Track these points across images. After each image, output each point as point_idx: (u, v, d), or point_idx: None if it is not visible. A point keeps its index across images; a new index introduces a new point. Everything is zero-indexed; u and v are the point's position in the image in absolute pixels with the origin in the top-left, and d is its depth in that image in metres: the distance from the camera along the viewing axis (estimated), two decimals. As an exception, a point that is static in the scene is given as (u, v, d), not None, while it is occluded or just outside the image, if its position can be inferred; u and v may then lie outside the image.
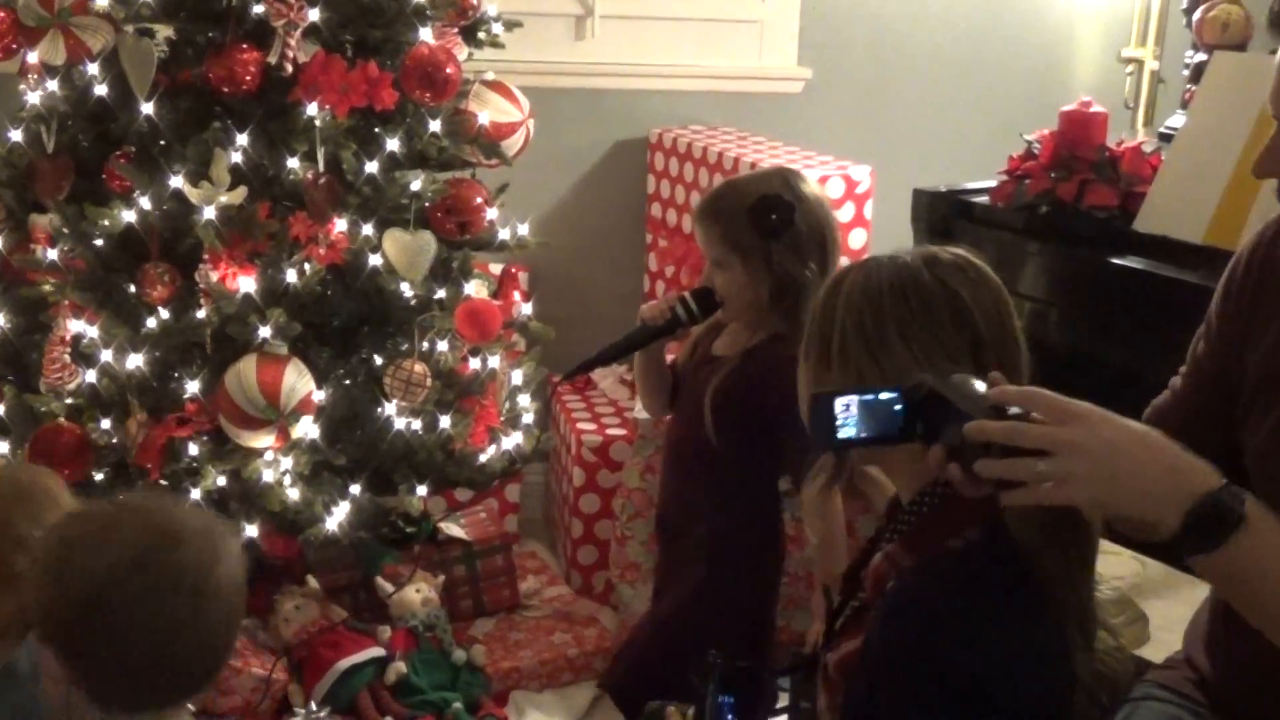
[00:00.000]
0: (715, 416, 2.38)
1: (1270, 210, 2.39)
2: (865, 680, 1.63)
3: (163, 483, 2.85)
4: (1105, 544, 2.79)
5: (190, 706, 1.66)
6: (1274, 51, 2.65)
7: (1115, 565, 3.05)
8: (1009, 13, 4.05)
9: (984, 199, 2.84)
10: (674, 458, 2.61)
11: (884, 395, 1.47)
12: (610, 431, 3.55)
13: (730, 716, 1.88)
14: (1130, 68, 3.14)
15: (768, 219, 2.34)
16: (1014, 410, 1.41)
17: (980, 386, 1.46)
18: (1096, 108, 2.76)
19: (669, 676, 2.29)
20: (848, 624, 1.75)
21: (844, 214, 3.50)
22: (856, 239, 3.53)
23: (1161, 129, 2.96)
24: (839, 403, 1.47)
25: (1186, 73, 3.01)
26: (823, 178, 3.46)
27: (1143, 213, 2.62)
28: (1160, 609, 2.68)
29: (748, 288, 2.39)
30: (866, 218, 3.53)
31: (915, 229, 2.90)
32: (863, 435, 1.48)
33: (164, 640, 1.51)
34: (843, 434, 1.47)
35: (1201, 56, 2.94)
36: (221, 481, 2.87)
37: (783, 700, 2.14)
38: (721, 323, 2.48)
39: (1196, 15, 3.00)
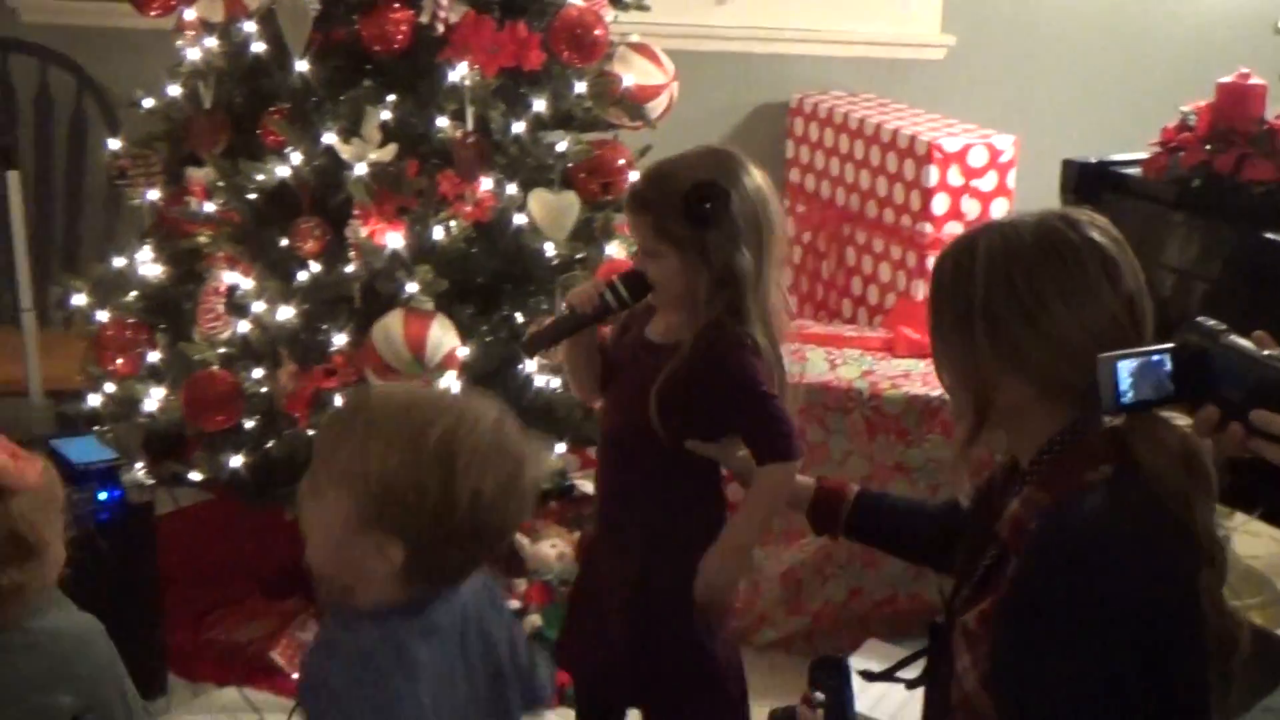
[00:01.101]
0: (661, 407, 2.22)
1: None
2: (1016, 623, 1.63)
3: (310, 432, 2.91)
4: (1244, 521, 2.78)
5: None
6: None
7: (1253, 545, 3.01)
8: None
9: (1136, 170, 2.79)
10: (613, 446, 2.44)
11: (1155, 357, 1.48)
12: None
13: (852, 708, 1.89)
14: (1289, 39, 3.08)
15: (701, 208, 2.21)
16: None
17: (1246, 344, 1.45)
18: (1255, 80, 2.71)
19: (640, 674, 2.33)
20: (984, 579, 1.74)
21: (986, 183, 3.48)
22: (998, 207, 3.51)
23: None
24: (1122, 366, 1.47)
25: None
26: (966, 146, 3.45)
27: (1303, 187, 2.57)
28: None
29: (682, 278, 2.25)
30: (1009, 187, 3.50)
31: (1063, 199, 2.86)
32: (1143, 398, 1.49)
33: (477, 512, 1.56)
34: (1125, 399, 1.48)
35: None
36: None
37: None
38: (648, 308, 2.34)
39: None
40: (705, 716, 2.39)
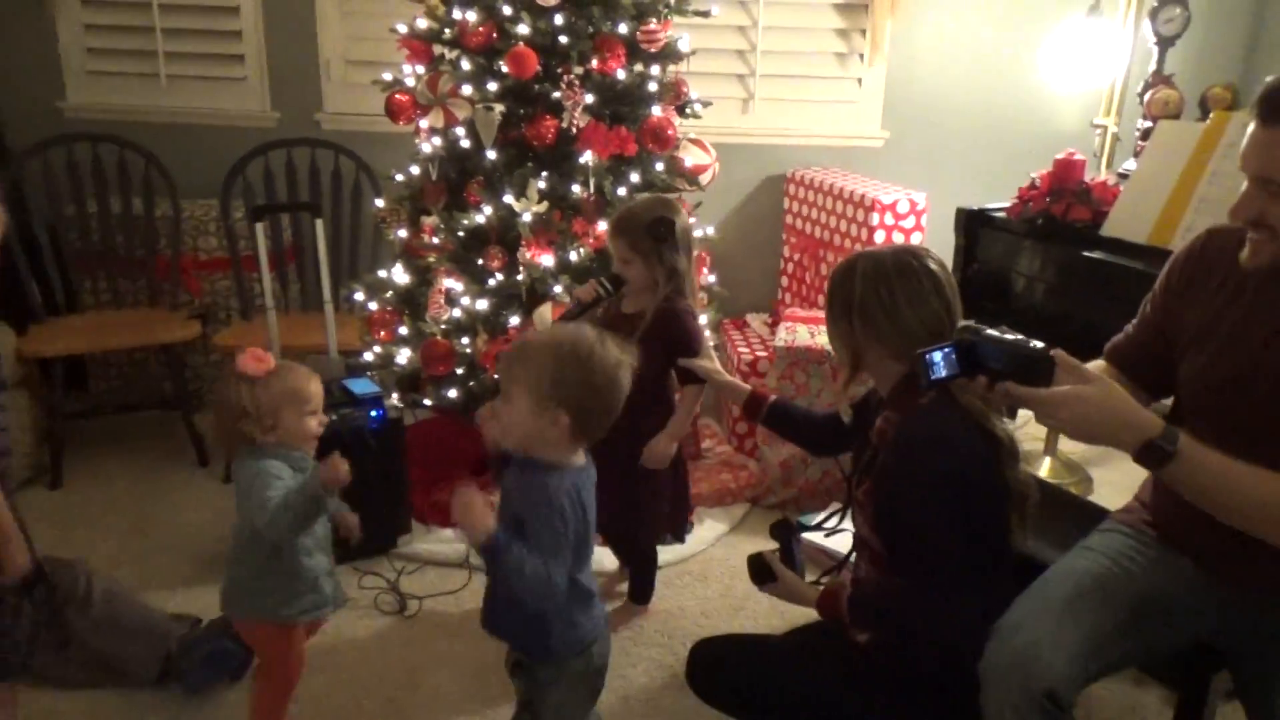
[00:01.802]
0: (643, 348, 2.09)
1: (1192, 225, 2.32)
2: (887, 491, 1.69)
3: (495, 376, 2.94)
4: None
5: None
6: (1200, 119, 2.57)
7: (1070, 441, 2.96)
8: (1021, 95, 3.92)
9: (1002, 214, 2.76)
10: None
11: (947, 349, 1.51)
12: (758, 353, 3.56)
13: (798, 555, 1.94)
14: (1099, 130, 3.01)
15: (659, 230, 2.30)
16: (1039, 346, 1.46)
17: (995, 333, 1.50)
18: (1078, 156, 2.67)
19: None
20: (865, 468, 1.79)
21: (908, 223, 3.44)
22: (915, 239, 3.47)
23: (1119, 170, 2.84)
24: (931, 356, 1.50)
25: (1138, 134, 2.87)
26: (895, 200, 3.42)
27: (1107, 224, 2.53)
28: (1100, 474, 2.60)
29: (646, 274, 2.34)
30: (923, 225, 3.46)
31: (956, 232, 2.84)
32: (943, 375, 1.52)
33: (606, 388, 1.63)
34: (935, 376, 1.51)
35: (1148, 124, 2.81)
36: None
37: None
38: (623, 295, 2.41)
39: (1146, 96, 2.87)
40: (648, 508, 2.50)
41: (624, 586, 2.73)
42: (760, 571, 1.91)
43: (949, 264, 2.79)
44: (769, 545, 1.95)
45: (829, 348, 3.08)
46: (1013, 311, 2.62)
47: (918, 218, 3.44)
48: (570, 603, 1.69)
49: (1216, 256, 1.67)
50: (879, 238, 3.43)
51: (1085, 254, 2.46)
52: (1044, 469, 2.61)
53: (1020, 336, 1.49)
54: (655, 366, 2.33)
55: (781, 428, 2.21)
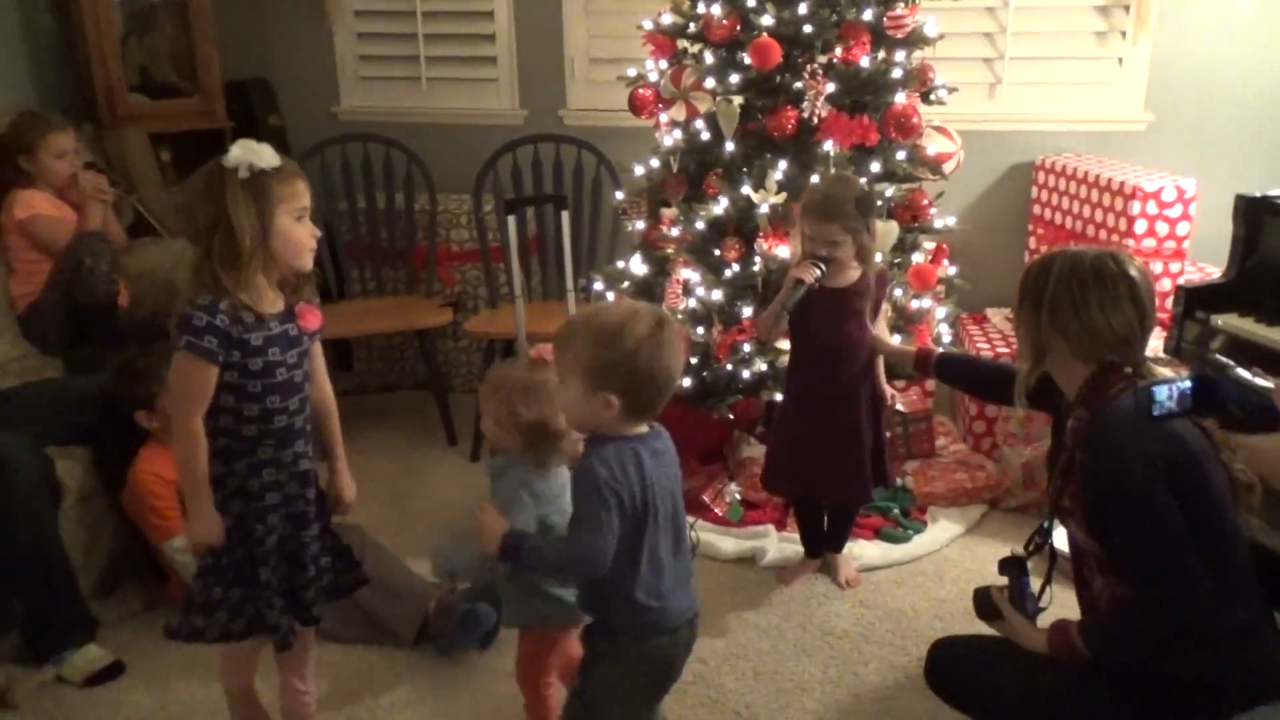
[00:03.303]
0: (860, 314, 2.49)
1: None
2: (1094, 492, 1.65)
3: (728, 366, 2.96)
4: None
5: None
6: None
7: None
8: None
9: (1292, 202, 2.51)
10: (821, 351, 2.52)
11: (1183, 383, 1.49)
12: (999, 349, 3.41)
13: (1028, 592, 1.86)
14: None
15: (866, 206, 2.41)
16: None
17: (1245, 374, 1.48)
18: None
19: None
20: (1064, 472, 1.75)
21: (1173, 212, 3.19)
22: (1182, 228, 3.21)
23: None
24: (1157, 390, 1.49)
25: None
26: (1159, 187, 3.17)
27: None
28: None
29: (848, 252, 2.42)
30: (1191, 214, 3.20)
31: (1235, 221, 2.60)
32: (1170, 411, 1.50)
33: (650, 367, 1.58)
34: (1159, 411, 1.50)
35: None
36: (762, 367, 2.93)
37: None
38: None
39: None
40: None
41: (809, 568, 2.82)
42: (986, 607, 1.85)
43: (1226, 256, 2.62)
44: (1012, 548, 1.88)
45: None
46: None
47: (1185, 206, 3.18)
48: (631, 580, 1.64)
49: None
50: (1140, 228, 3.20)
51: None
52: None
53: (1265, 381, 1.38)
54: (864, 329, 2.52)
55: (954, 379, 2.39)
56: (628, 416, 1.61)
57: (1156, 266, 3.20)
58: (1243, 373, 1.41)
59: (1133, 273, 1.66)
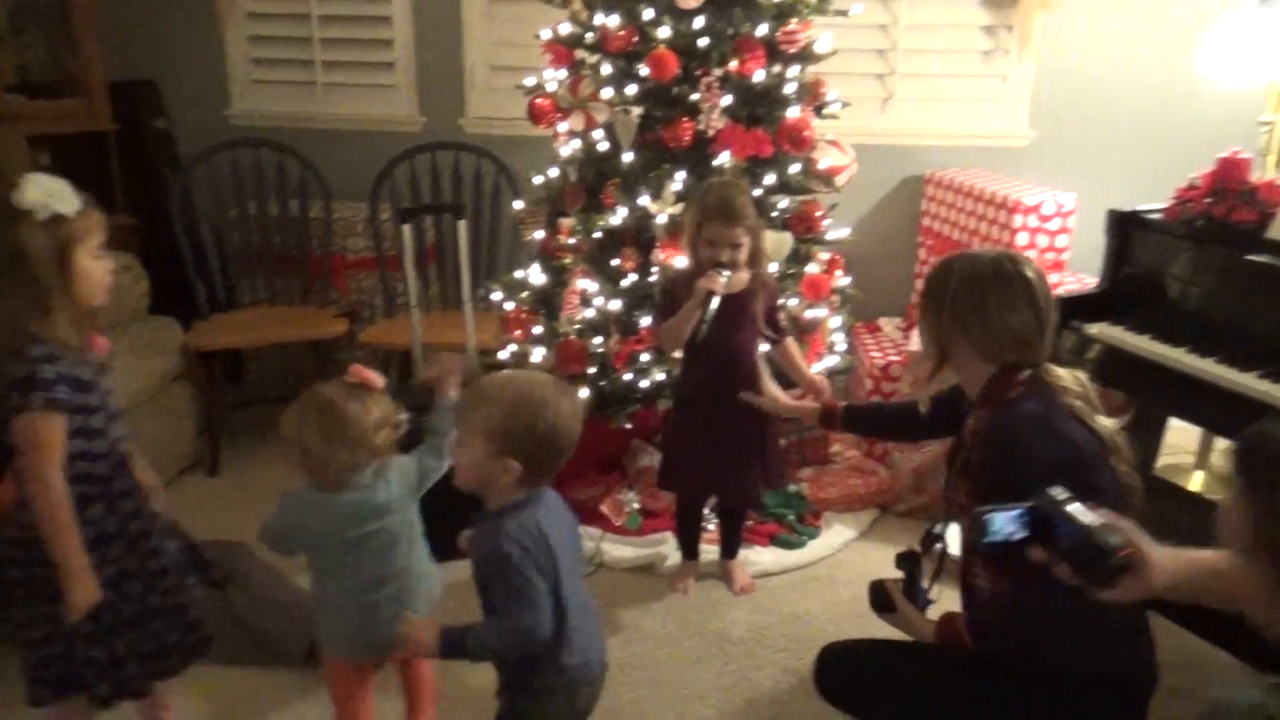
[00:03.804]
0: (752, 318, 2.52)
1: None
2: (985, 490, 1.65)
3: (626, 376, 2.97)
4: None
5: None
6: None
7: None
8: (1180, 91, 3.70)
9: (1157, 216, 2.62)
10: (723, 349, 2.50)
11: (1016, 511, 1.36)
12: (890, 357, 3.49)
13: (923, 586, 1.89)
14: (1266, 128, 2.83)
15: (757, 206, 2.49)
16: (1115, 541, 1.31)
17: (1078, 511, 1.34)
18: (1243, 155, 2.52)
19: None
20: (961, 471, 1.80)
21: (1053, 225, 3.32)
22: (1061, 241, 3.34)
23: (1289, 170, 2.68)
24: (989, 519, 1.35)
25: (1308, 131, 2.70)
26: (1039, 201, 3.30)
27: (1274, 225, 2.38)
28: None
29: (746, 255, 2.46)
30: (1069, 228, 3.33)
31: (1107, 235, 2.71)
32: (999, 539, 1.36)
33: (557, 436, 1.60)
34: (990, 538, 1.36)
35: (1321, 120, 2.64)
36: (660, 377, 2.94)
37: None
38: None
39: (1319, 91, 2.70)
40: None
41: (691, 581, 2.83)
42: (880, 599, 1.89)
43: (1100, 268, 2.74)
44: (905, 550, 1.92)
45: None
46: (1165, 316, 2.50)
47: (1064, 220, 3.31)
48: (560, 644, 1.64)
49: None
50: (1021, 240, 3.32)
51: (1249, 258, 2.32)
52: (1196, 482, 2.48)
53: (1105, 521, 1.30)
54: (758, 333, 2.55)
55: (862, 429, 2.39)
56: (524, 481, 1.62)
57: (1038, 277, 3.33)
58: (1079, 508, 1.34)
59: (1028, 273, 1.70)
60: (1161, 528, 1.43)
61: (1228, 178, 2.48)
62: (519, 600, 1.57)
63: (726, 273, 2.41)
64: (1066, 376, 1.71)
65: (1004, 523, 1.36)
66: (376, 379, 1.83)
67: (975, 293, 1.70)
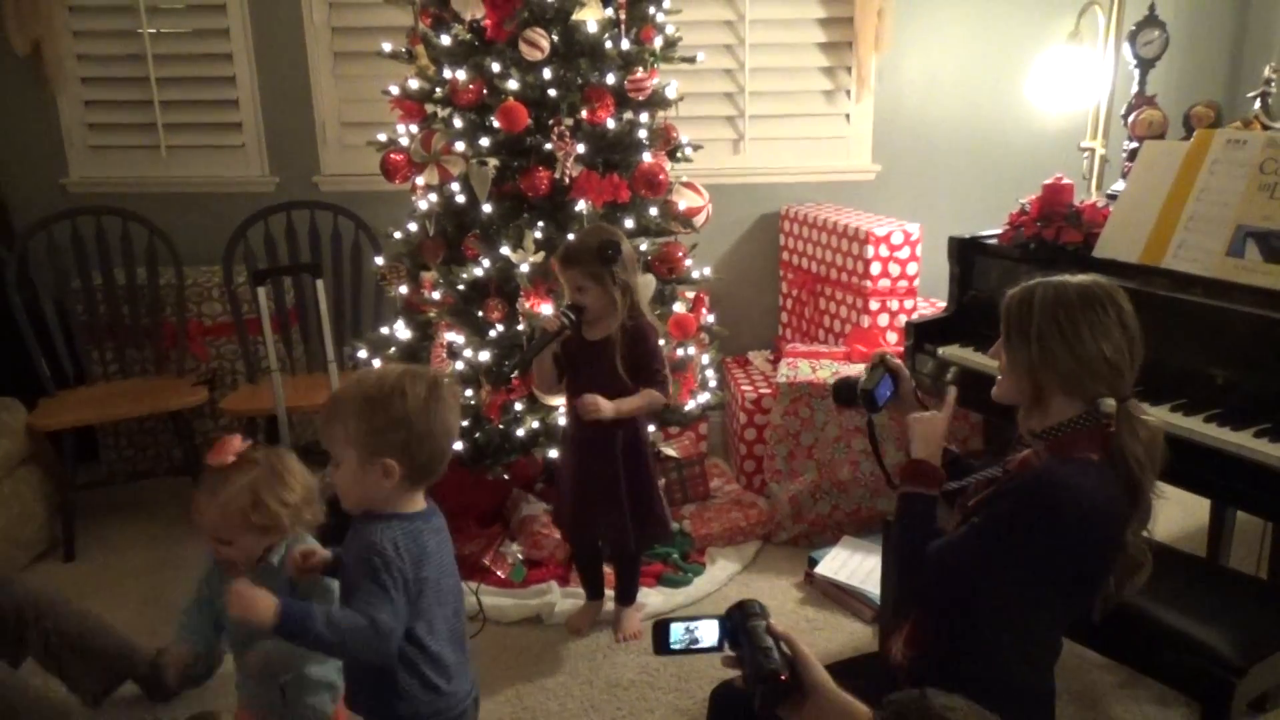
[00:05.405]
0: (624, 365, 2.47)
1: (1183, 243, 2.33)
2: (996, 517, 1.58)
3: (500, 426, 2.94)
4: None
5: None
6: (1184, 138, 2.59)
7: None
8: (1008, 123, 3.95)
9: (994, 240, 2.77)
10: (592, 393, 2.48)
11: (718, 619, 1.30)
12: (761, 390, 3.56)
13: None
14: (1086, 154, 3.04)
15: (607, 254, 2.40)
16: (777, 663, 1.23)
17: (758, 631, 1.27)
18: (1066, 180, 2.69)
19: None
20: (980, 484, 1.73)
21: (903, 254, 3.46)
22: (911, 268, 3.49)
23: (1108, 192, 2.86)
24: (673, 628, 1.29)
25: (1125, 155, 2.90)
26: (889, 232, 3.44)
27: (1099, 245, 2.54)
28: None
29: (603, 298, 2.44)
30: (918, 255, 3.48)
31: (950, 261, 2.85)
32: (685, 648, 1.30)
33: (420, 421, 1.58)
34: (671, 647, 1.30)
35: (1134, 145, 2.84)
36: (535, 425, 2.93)
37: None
38: (586, 323, 2.48)
39: (1130, 118, 2.90)
40: None
41: (608, 608, 2.84)
42: (844, 394, 1.96)
43: (945, 294, 2.86)
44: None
45: (829, 381, 3.09)
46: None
47: (913, 248, 3.45)
48: (421, 664, 1.61)
49: None
50: (875, 269, 3.45)
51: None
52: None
53: (780, 648, 1.25)
54: (622, 382, 2.49)
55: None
56: (409, 484, 1.58)
57: (893, 304, 3.47)
58: (762, 625, 1.28)
59: (1119, 298, 1.59)
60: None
61: (1054, 202, 2.64)
62: (382, 597, 1.53)
63: (570, 316, 2.45)
64: (1148, 426, 1.59)
65: (703, 632, 1.30)
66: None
67: (1064, 320, 1.56)
